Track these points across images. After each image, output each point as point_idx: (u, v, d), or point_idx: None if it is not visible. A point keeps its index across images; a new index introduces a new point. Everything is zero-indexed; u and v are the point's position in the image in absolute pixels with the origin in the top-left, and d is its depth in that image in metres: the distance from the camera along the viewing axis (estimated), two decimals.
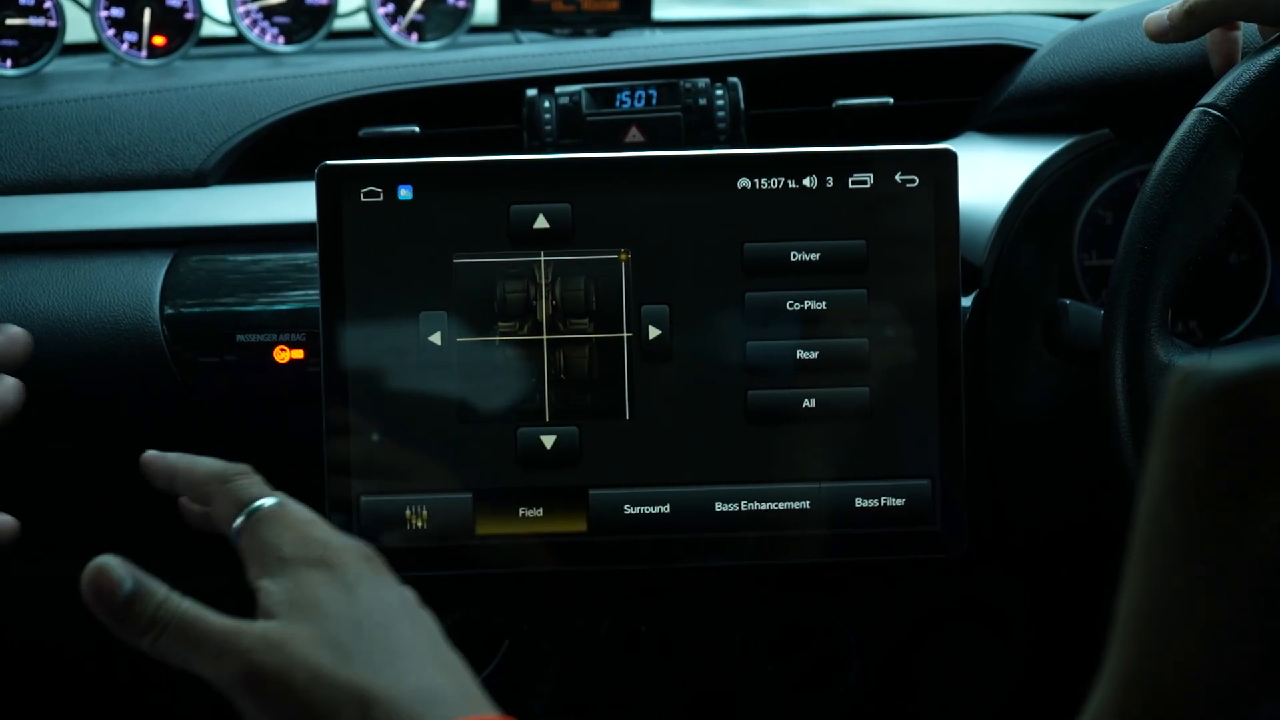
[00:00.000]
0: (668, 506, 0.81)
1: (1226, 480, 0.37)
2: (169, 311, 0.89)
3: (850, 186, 0.82)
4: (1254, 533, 0.37)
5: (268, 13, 1.22)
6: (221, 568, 0.97)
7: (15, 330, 0.79)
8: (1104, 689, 0.40)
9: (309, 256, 0.88)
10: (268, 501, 0.63)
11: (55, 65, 1.17)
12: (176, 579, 0.98)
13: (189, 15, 1.19)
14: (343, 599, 0.59)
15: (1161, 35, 0.82)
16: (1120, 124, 0.94)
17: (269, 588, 0.60)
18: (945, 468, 0.82)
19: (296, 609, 0.58)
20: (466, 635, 0.96)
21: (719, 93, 1.00)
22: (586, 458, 0.81)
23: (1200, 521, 0.38)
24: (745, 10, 1.48)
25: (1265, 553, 0.37)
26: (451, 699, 0.56)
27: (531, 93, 1.00)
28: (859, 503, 0.82)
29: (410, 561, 0.81)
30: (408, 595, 0.62)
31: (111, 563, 0.60)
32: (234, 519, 0.63)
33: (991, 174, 0.92)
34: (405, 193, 0.81)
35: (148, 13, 1.18)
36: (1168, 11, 0.82)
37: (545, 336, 0.81)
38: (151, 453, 0.71)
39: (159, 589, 0.60)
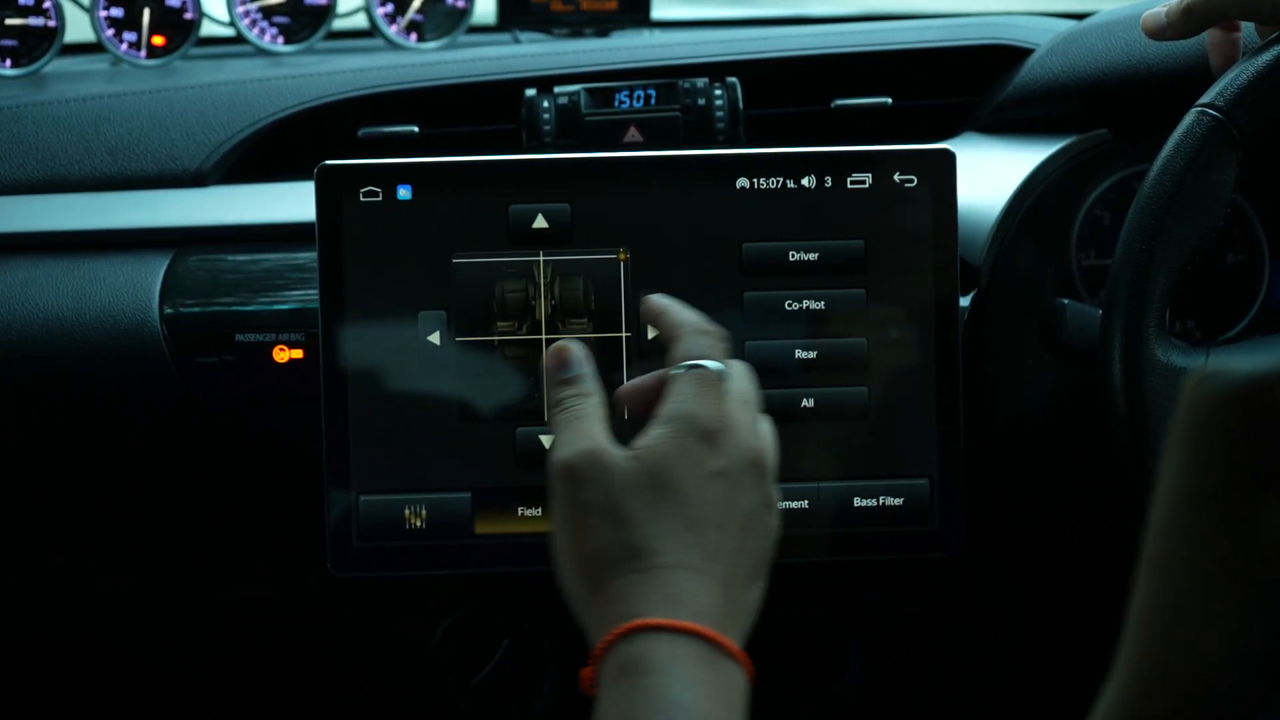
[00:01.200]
0: None
1: (1242, 481, 0.38)
2: (168, 311, 0.89)
3: (849, 186, 0.82)
4: (1268, 533, 0.37)
5: (267, 13, 1.22)
6: (221, 565, 0.97)
7: None
8: (1116, 687, 0.40)
9: (308, 256, 0.89)
10: (715, 365, 0.67)
11: (54, 65, 1.17)
12: (177, 577, 0.98)
13: (188, 15, 1.19)
14: (691, 476, 0.64)
15: (1159, 33, 0.82)
16: (1118, 124, 0.94)
17: (653, 428, 0.65)
18: (943, 467, 0.82)
19: (648, 454, 0.64)
20: (466, 634, 0.96)
21: (717, 93, 1.00)
22: None
23: (1215, 521, 0.38)
24: (744, 10, 1.48)
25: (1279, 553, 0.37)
26: (704, 606, 0.61)
27: (530, 93, 1.00)
28: (857, 502, 0.82)
29: (409, 561, 0.82)
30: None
31: (574, 351, 0.70)
32: (680, 363, 0.68)
33: (990, 174, 0.92)
34: (404, 193, 0.81)
35: (147, 13, 1.18)
36: (1165, 9, 0.82)
37: (544, 336, 0.81)
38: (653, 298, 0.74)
39: (586, 386, 0.69)
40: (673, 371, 0.67)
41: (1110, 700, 0.40)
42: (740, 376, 0.68)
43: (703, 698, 0.58)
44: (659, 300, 0.73)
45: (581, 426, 0.66)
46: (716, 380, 0.66)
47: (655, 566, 0.62)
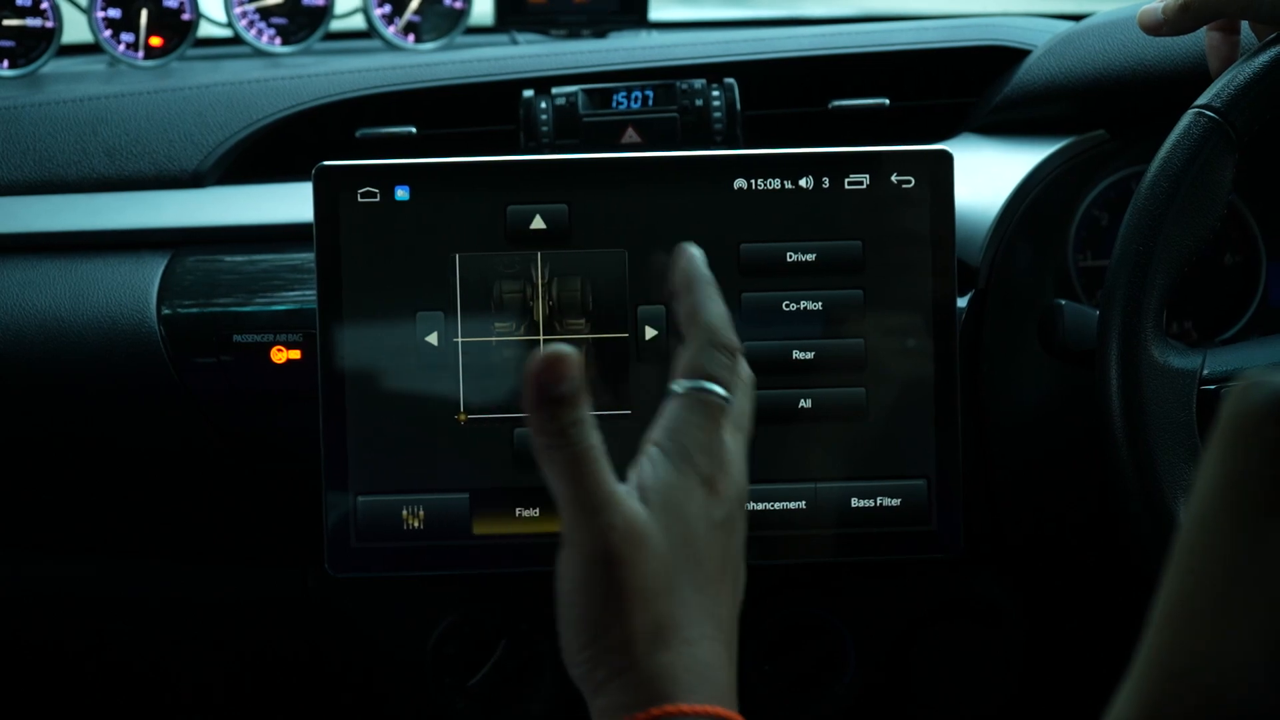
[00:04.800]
0: None
1: (1278, 490, 0.38)
2: (166, 312, 0.89)
3: (846, 187, 0.82)
4: None
5: (264, 14, 1.22)
6: (219, 566, 0.97)
7: None
8: (1134, 687, 0.40)
9: (306, 257, 0.89)
10: (724, 393, 0.59)
11: (52, 66, 1.17)
12: (174, 577, 0.98)
13: (186, 16, 1.19)
14: (701, 530, 0.57)
15: (1155, 29, 0.82)
16: (1116, 125, 0.95)
17: (656, 460, 0.58)
18: (941, 467, 0.82)
19: (665, 509, 0.57)
20: (464, 635, 0.96)
21: (715, 93, 1.00)
22: None
23: (1249, 529, 0.38)
24: (741, 11, 1.48)
25: None
26: (720, 680, 0.56)
27: (528, 93, 1.00)
28: (855, 503, 0.82)
29: (407, 561, 0.82)
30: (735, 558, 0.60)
31: (574, 357, 0.57)
32: (687, 379, 0.60)
33: (987, 175, 0.92)
34: (402, 193, 0.81)
35: (144, 13, 1.18)
36: (1162, 5, 0.81)
37: (542, 337, 0.81)
38: (693, 249, 0.64)
39: (586, 408, 0.57)
40: (675, 388, 0.60)
41: (1127, 700, 0.40)
42: (743, 398, 0.61)
43: None
44: (694, 270, 0.63)
45: (600, 481, 0.56)
46: (721, 411, 0.59)
47: (683, 642, 0.56)
